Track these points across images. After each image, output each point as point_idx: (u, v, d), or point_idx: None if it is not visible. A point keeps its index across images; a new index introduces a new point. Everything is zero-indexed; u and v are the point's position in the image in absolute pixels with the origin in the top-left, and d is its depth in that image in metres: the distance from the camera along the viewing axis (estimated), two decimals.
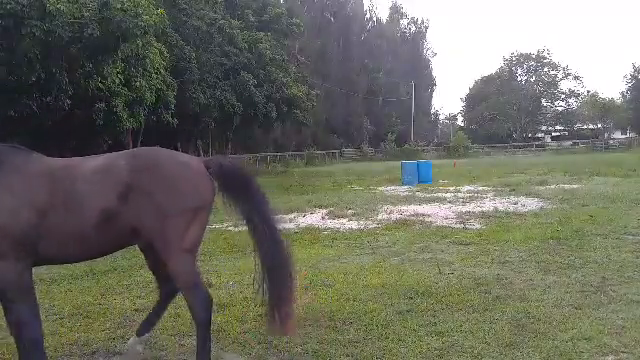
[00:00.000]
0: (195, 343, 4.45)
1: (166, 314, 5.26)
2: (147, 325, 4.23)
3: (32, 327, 3.52)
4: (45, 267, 7.50)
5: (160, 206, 3.57)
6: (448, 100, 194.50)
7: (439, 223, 10.42)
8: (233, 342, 4.49)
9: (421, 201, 14.02)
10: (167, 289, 4.17)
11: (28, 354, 3.53)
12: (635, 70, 63.83)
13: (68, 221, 3.52)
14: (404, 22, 78.40)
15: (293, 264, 3.97)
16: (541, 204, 12.44)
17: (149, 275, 6.83)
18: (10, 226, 3.39)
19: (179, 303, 5.59)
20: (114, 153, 3.95)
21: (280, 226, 4.00)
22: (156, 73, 20.62)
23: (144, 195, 3.55)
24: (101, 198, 3.52)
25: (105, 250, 3.87)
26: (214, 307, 5.43)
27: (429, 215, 11.45)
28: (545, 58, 71.58)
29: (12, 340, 4.67)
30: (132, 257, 7.65)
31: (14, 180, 3.49)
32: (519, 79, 73.61)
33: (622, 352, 4.03)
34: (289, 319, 3.80)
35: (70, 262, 4.40)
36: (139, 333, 4.20)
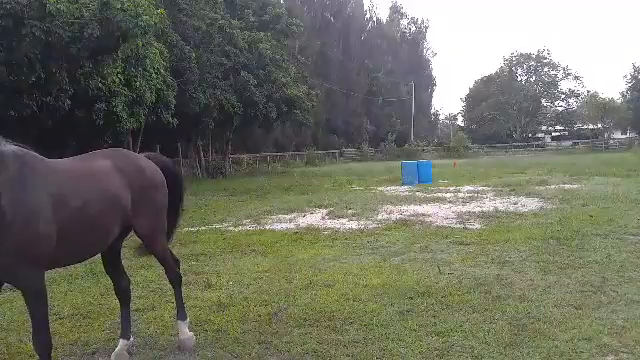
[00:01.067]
0: (195, 344, 4.48)
1: (166, 314, 5.28)
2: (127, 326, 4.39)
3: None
4: None
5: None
6: (448, 100, 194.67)
7: (439, 223, 10.42)
8: (233, 342, 4.49)
9: (421, 201, 14.03)
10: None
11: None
12: (635, 70, 63.83)
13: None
14: (404, 22, 78.45)
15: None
16: (541, 204, 12.45)
17: (149, 275, 6.87)
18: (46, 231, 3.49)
19: None
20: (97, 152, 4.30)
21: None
22: (156, 73, 20.59)
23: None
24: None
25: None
26: (214, 307, 5.47)
27: (429, 215, 11.45)
28: (545, 58, 71.69)
29: (12, 340, 4.68)
30: (132, 257, 7.65)
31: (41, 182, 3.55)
32: (519, 79, 73.65)
33: (622, 352, 4.03)
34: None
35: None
36: (124, 335, 4.34)
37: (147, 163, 4.32)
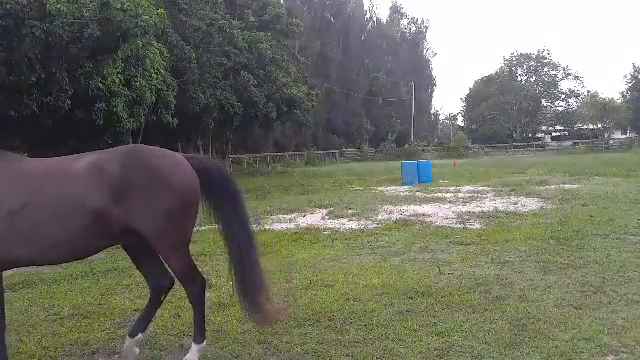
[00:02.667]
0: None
1: (166, 314, 5.28)
2: (142, 325, 4.16)
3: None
4: (45, 267, 7.51)
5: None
6: (448, 100, 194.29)
7: (439, 223, 10.42)
8: (233, 342, 4.49)
9: (421, 201, 14.02)
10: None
11: None
12: (635, 70, 63.82)
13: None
14: (404, 22, 78.46)
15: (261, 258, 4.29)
16: (541, 204, 12.44)
17: None
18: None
19: (178, 304, 5.61)
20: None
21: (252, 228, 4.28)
22: (156, 73, 20.60)
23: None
24: None
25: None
26: (214, 307, 5.47)
27: (429, 215, 11.45)
28: (545, 58, 71.64)
29: (12, 340, 4.68)
30: None
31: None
32: (519, 79, 73.61)
33: (622, 352, 4.04)
34: (267, 307, 4.08)
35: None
36: (132, 334, 4.12)
37: (159, 161, 3.82)
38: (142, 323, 4.15)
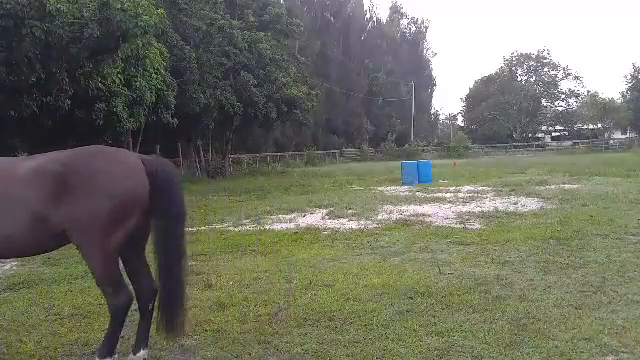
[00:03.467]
0: (195, 344, 4.48)
1: None
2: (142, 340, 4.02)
3: None
4: (45, 267, 7.51)
5: None
6: (448, 100, 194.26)
7: (439, 223, 10.42)
8: (233, 342, 4.48)
9: (421, 201, 14.02)
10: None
11: None
12: (635, 70, 63.78)
13: None
14: (404, 22, 78.45)
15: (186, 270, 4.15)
16: (541, 204, 12.44)
17: None
18: None
19: None
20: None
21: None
22: (156, 73, 20.59)
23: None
24: None
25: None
26: (214, 307, 5.46)
27: (429, 215, 11.45)
28: (545, 58, 71.63)
29: (12, 340, 4.68)
30: None
31: None
32: (519, 79, 73.60)
33: (622, 352, 4.03)
34: (180, 320, 3.96)
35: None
36: (134, 351, 4.00)
37: (104, 166, 3.71)
38: (143, 336, 4.03)
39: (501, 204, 12.69)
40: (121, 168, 3.76)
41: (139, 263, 4.03)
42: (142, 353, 3.97)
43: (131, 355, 3.98)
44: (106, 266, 3.71)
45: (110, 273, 3.73)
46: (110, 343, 3.81)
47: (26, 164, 3.74)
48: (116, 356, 3.89)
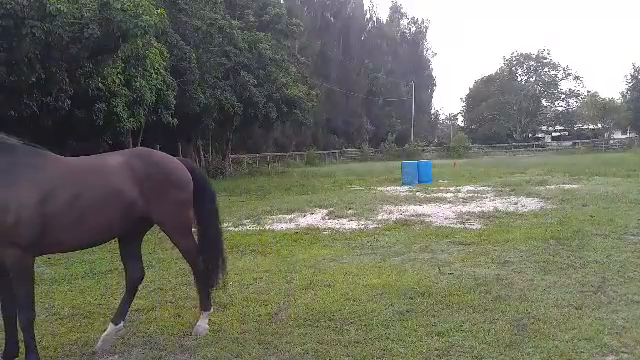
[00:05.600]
0: (196, 344, 4.48)
1: (166, 314, 5.28)
2: (121, 313, 4.64)
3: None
4: (45, 267, 7.51)
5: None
6: (448, 100, 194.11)
7: (439, 223, 10.42)
8: (233, 342, 4.49)
9: (421, 201, 14.02)
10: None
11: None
12: (635, 70, 63.73)
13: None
14: (404, 22, 78.41)
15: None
16: (541, 204, 12.44)
17: (149, 275, 6.86)
18: None
19: (179, 304, 5.61)
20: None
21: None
22: (156, 73, 20.57)
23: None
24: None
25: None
26: (214, 307, 5.48)
27: (429, 215, 11.45)
28: (545, 58, 71.63)
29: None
30: None
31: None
32: (519, 79, 73.60)
33: (622, 352, 4.03)
34: (219, 276, 4.93)
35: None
36: (115, 322, 4.57)
37: (168, 162, 4.60)
38: (124, 310, 4.66)
39: (501, 204, 12.69)
40: (181, 166, 4.66)
41: (136, 250, 4.77)
42: (121, 325, 4.60)
43: (111, 324, 4.53)
44: (192, 241, 4.68)
45: (194, 245, 4.69)
46: (205, 295, 4.79)
47: (113, 160, 4.37)
48: (121, 325, 4.56)
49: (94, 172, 4.23)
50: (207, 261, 4.76)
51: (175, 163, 4.63)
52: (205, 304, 4.78)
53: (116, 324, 4.54)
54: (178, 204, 4.49)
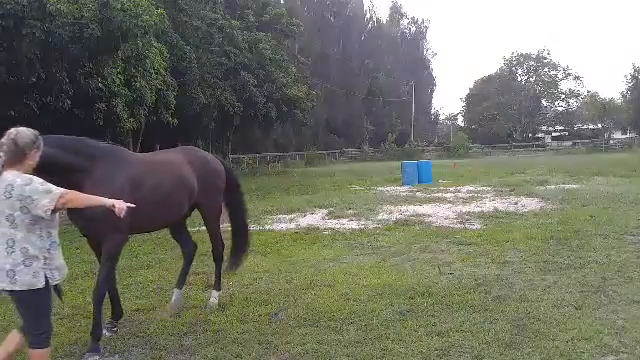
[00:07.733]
0: (195, 344, 4.48)
1: (166, 314, 5.28)
2: (182, 279, 5.60)
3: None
4: None
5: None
6: (448, 100, 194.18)
7: (439, 223, 10.42)
8: (233, 342, 4.49)
9: (421, 201, 14.02)
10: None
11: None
12: (635, 70, 63.57)
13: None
14: (404, 22, 78.21)
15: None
16: (541, 204, 12.44)
17: (149, 275, 6.88)
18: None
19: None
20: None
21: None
22: (156, 73, 20.57)
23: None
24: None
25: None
26: (214, 307, 5.47)
27: (429, 215, 11.45)
28: (545, 58, 71.58)
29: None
30: (132, 257, 7.66)
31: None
32: (519, 79, 73.57)
33: (622, 352, 4.03)
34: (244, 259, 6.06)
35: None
36: (178, 285, 5.54)
37: (211, 157, 5.68)
38: (182, 277, 5.58)
39: (501, 204, 12.69)
40: (218, 160, 5.71)
41: (185, 229, 5.79)
42: (182, 290, 5.57)
43: (176, 290, 5.47)
44: (219, 226, 5.71)
45: (219, 230, 5.73)
46: (218, 277, 5.67)
47: (175, 156, 5.30)
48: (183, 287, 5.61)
49: (166, 165, 5.06)
50: (237, 236, 5.82)
51: (214, 158, 5.69)
52: (217, 284, 5.61)
53: (180, 288, 5.48)
54: (218, 191, 5.47)
